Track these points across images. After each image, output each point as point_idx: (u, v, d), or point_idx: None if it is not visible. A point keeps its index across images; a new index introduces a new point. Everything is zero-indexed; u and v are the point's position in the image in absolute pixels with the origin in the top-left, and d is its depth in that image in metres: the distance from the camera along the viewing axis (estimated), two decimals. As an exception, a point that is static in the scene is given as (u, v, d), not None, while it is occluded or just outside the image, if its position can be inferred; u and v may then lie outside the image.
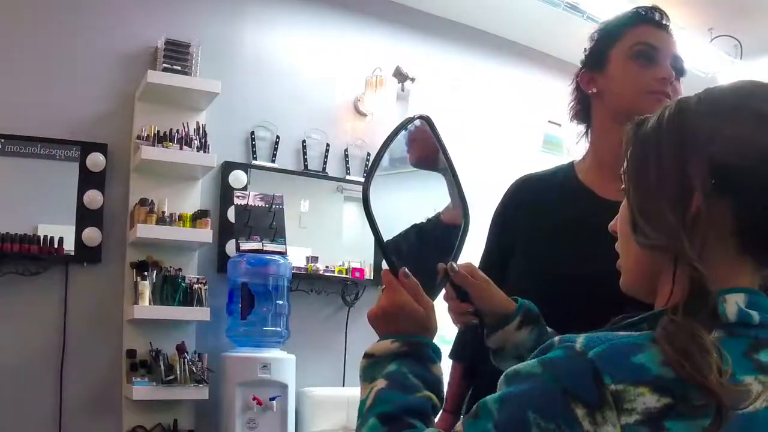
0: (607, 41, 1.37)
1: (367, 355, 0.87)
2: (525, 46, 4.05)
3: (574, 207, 1.36)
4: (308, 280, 3.19)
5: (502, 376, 0.72)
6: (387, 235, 0.95)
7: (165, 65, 2.84)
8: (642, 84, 1.30)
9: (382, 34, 3.60)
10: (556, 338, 0.71)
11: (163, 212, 2.77)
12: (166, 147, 2.78)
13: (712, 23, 3.67)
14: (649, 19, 1.37)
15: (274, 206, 2.95)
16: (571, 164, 1.47)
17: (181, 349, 2.70)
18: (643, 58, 1.31)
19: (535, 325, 1.08)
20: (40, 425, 2.64)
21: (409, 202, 1.23)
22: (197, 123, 2.93)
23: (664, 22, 1.38)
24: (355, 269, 3.22)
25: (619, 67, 1.33)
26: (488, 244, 1.52)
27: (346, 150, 3.42)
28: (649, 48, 1.32)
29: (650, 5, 1.40)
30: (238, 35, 3.24)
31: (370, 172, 0.95)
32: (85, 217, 2.79)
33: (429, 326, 0.89)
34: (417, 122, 1.09)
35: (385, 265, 0.93)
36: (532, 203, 1.43)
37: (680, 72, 1.35)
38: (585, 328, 0.74)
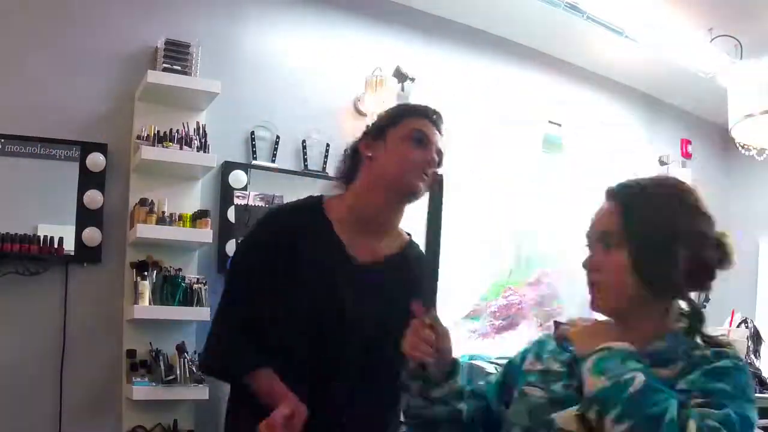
0: (387, 122, 1.70)
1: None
2: (525, 46, 4.05)
3: (324, 257, 1.63)
4: (308, 280, 3.18)
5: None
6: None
7: (165, 65, 2.84)
8: (411, 159, 1.62)
9: (382, 34, 3.59)
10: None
11: (163, 212, 2.77)
12: (166, 147, 2.78)
13: (712, 23, 3.66)
14: (428, 116, 1.69)
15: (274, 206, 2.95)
16: (321, 203, 1.73)
17: (181, 349, 2.70)
18: (417, 141, 1.64)
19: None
20: (40, 425, 2.64)
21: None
22: (197, 123, 2.93)
23: (437, 122, 1.70)
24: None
25: (393, 143, 1.65)
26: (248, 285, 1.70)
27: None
28: (423, 135, 1.65)
29: (429, 106, 1.74)
30: (238, 35, 3.24)
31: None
32: (85, 217, 2.78)
33: None
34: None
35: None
36: (282, 242, 1.66)
37: (440, 163, 1.68)
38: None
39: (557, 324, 1.38)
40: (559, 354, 1.26)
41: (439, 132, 1.69)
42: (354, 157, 1.74)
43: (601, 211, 1.24)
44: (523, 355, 1.34)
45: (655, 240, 1.16)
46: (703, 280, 1.20)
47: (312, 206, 1.71)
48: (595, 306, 1.20)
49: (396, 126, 1.67)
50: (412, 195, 1.65)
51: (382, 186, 1.65)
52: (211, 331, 1.68)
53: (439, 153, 1.67)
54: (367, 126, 1.81)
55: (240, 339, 1.60)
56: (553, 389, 1.21)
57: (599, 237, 1.21)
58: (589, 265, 1.20)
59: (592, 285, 1.20)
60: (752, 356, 2.91)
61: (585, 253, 1.25)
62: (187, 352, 2.71)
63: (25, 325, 2.67)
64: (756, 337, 3.00)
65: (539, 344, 1.33)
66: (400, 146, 1.64)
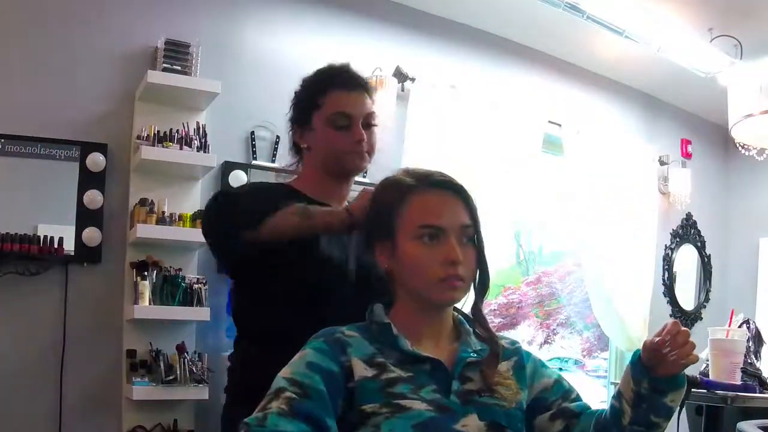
0: (309, 105, 1.66)
1: None
2: (525, 46, 4.05)
3: None
4: (308, 280, 3.18)
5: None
6: None
7: (165, 65, 2.84)
8: (340, 146, 1.59)
9: (382, 34, 3.59)
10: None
11: (163, 212, 2.77)
12: (166, 147, 2.77)
13: (712, 23, 3.67)
14: (342, 84, 1.62)
15: (274, 206, 2.94)
16: (284, 184, 1.75)
17: (181, 349, 2.70)
18: (338, 125, 1.59)
19: None
20: (40, 425, 2.64)
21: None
22: (197, 123, 2.93)
23: (354, 84, 1.63)
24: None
25: (320, 130, 1.62)
26: None
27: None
28: (343, 116, 1.60)
29: (341, 67, 1.68)
30: (238, 35, 3.24)
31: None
32: (85, 217, 2.78)
33: None
34: None
35: None
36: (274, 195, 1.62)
37: (369, 125, 1.62)
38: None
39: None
40: (383, 351, 1.18)
41: (364, 95, 1.64)
42: (297, 149, 1.75)
43: (456, 206, 1.25)
44: (337, 362, 1.16)
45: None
46: None
47: (279, 185, 1.77)
48: (458, 297, 1.24)
49: (319, 108, 1.64)
50: (352, 174, 1.67)
51: (322, 173, 1.66)
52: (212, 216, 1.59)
53: (368, 117, 1.62)
54: (292, 109, 1.76)
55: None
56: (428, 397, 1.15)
57: (464, 231, 1.24)
58: (460, 260, 1.20)
59: (462, 279, 1.21)
60: (753, 357, 2.90)
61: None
62: (187, 352, 2.71)
63: (25, 325, 2.67)
64: (757, 338, 2.99)
65: (340, 346, 1.18)
66: (325, 133, 1.62)
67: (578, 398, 1.30)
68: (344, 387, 1.13)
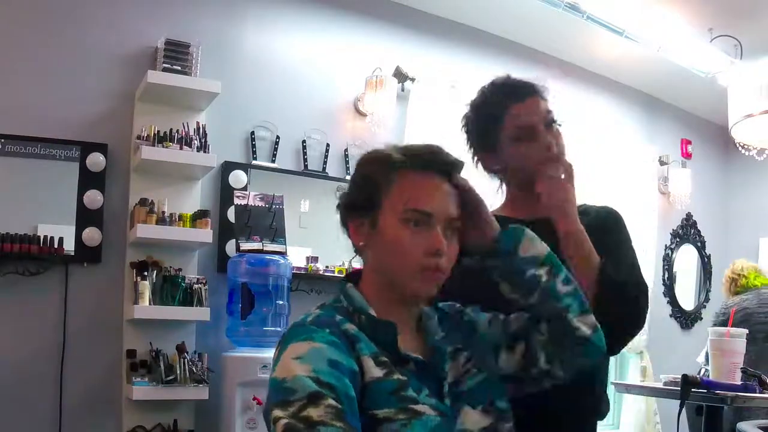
0: (490, 124, 1.50)
1: None
2: (525, 46, 4.05)
3: None
4: (308, 280, 3.19)
5: None
6: None
7: (165, 65, 2.84)
8: (531, 160, 1.46)
9: (382, 34, 3.59)
10: None
11: (163, 212, 2.77)
12: (166, 147, 2.77)
13: (712, 23, 3.67)
14: (515, 97, 1.51)
15: (274, 206, 2.95)
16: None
17: (181, 349, 2.70)
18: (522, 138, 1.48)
19: None
20: (40, 425, 2.64)
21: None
22: (197, 123, 2.92)
23: (524, 91, 1.53)
24: (355, 269, 3.21)
25: (507, 149, 1.49)
26: None
27: (346, 150, 3.42)
28: (526, 129, 1.48)
29: (510, 80, 1.54)
30: (238, 35, 3.24)
31: None
32: (85, 217, 2.79)
33: None
34: None
35: None
36: None
37: (550, 125, 1.51)
38: None
39: None
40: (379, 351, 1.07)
41: (536, 99, 1.49)
42: (493, 175, 1.55)
43: (447, 195, 1.13)
44: (346, 360, 1.02)
45: None
46: None
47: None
48: (435, 291, 1.13)
49: (502, 125, 1.46)
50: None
51: (517, 191, 1.51)
52: None
53: (547, 119, 1.48)
54: (471, 135, 1.53)
55: None
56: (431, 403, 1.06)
57: (451, 223, 1.13)
58: (444, 251, 1.10)
59: (443, 272, 1.11)
60: (752, 356, 2.90)
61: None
62: (187, 352, 2.71)
63: (25, 325, 2.67)
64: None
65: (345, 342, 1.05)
66: (514, 149, 1.45)
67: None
68: (359, 388, 1.01)
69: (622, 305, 1.35)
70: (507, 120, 1.46)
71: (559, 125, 1.51)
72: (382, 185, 1.12)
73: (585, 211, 1.52)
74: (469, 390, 1.13)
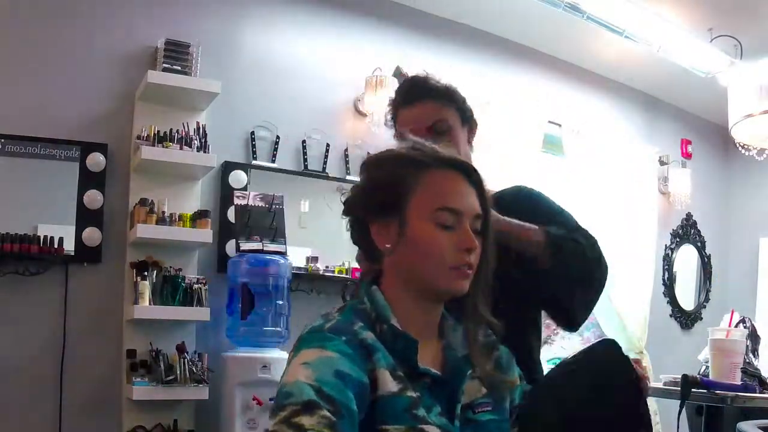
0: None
1: None
2: (525, 46, 4.05)
3: None
4: (308, 280, 3.19)
5: None
6: None
7: (165, 65, 2.84)
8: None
9: (382, 34, 3.60)
10: None
11: (163, 212, 2.76)
12: (166, 147, 2.77)
13: (712, 23, 3.67)
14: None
15: (274, 206, 2.95)
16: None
17: (181, 349, 2.70)
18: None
19: None
20: (40, 425, 2.64)
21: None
22: (197, 123, 2.92)
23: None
24: (355, 269, 3.21)
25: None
26: None
27: (346, 150, 3.42)
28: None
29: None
30: (238, 35, 3.24)
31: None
32: (85, 217, 2.79)
33: None
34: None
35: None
36: None
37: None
38: None
39: None
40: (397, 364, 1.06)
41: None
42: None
43: (471, 192, 1.14)
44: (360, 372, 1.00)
45: None
46: None
47: None
48: (466, 288, 1.12)
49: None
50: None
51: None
52: None
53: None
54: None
55: None
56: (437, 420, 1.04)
57: (476, 221, 1.14)
58: (475, 247, 1.11)
59: (472, 268, 1.11)
60: (751, 355, 2.90)
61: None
62: (187, 352, 2.71)
63: (25, 325, 2.67)
64: (754, 336, 3.00)
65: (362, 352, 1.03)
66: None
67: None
68: (369, 400, 0.99)
69: (581, 253, 1.42)
70: (398, 124, 1.52)
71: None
72: (410, 185, 1.10)
73: (501, 197, 1.53)
74: (481, 423, 1.11)
